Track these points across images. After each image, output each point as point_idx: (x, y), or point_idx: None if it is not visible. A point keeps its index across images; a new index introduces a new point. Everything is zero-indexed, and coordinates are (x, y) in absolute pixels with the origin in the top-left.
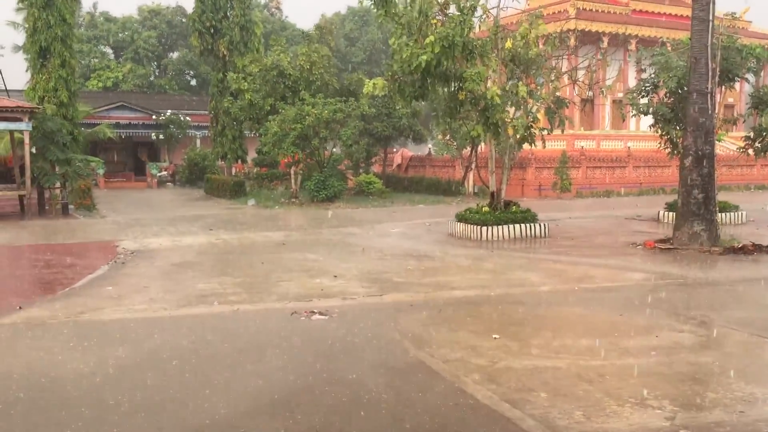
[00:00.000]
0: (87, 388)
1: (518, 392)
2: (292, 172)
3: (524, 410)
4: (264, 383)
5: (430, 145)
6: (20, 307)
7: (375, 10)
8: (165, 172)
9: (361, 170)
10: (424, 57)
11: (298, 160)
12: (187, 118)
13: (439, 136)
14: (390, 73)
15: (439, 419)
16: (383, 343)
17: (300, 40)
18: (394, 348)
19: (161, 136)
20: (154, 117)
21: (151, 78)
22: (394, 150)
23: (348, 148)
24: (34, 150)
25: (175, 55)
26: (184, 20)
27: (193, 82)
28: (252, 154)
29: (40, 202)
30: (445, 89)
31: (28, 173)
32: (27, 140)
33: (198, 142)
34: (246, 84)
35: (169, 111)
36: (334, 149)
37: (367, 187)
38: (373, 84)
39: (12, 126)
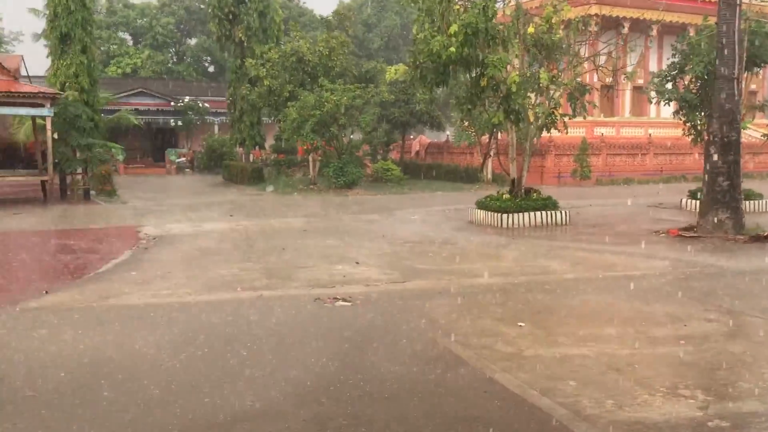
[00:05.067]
0: (140, 368)
1: (547, 380)
2: (310, 158)
3: (554, 399)
4: (299, 370)
5: (448, 132)
6: (47, 292)
7: None
8: (183, 159)
9: (379, 157)
10: (453, 49)
11: (317, 147)
12: (206, 104)
13: (459, 123)
14: (412, 60)
15: (471, 409)
16: (409, 331)
17: (317, 26)
18: (421, 335)
19: (180, 123)
20: (172, 103)
21: (169, 64)
22: (411, 137)
23: (367, 135)
24: (56, 136)
25: (193, 41)
26: (202, 6)
27: (211, 69)
28: (270, 141)
29: (62, 187)
30: (467, 76)
31: (50, 159)
32: (49, 126)
33: (216, 128)
34: (264, 71)
35: (188, 97)
36: (352, 136)
37: (385, 174)
38: (395, 70)
39: (34, 111)
